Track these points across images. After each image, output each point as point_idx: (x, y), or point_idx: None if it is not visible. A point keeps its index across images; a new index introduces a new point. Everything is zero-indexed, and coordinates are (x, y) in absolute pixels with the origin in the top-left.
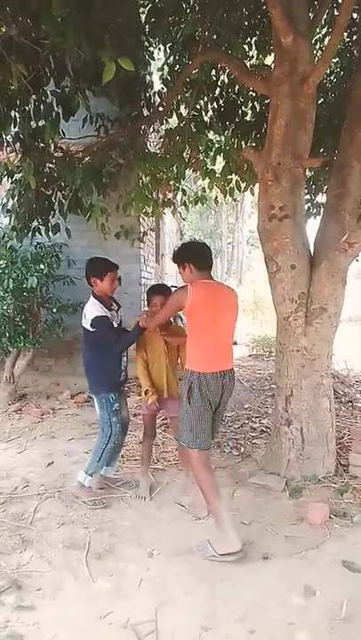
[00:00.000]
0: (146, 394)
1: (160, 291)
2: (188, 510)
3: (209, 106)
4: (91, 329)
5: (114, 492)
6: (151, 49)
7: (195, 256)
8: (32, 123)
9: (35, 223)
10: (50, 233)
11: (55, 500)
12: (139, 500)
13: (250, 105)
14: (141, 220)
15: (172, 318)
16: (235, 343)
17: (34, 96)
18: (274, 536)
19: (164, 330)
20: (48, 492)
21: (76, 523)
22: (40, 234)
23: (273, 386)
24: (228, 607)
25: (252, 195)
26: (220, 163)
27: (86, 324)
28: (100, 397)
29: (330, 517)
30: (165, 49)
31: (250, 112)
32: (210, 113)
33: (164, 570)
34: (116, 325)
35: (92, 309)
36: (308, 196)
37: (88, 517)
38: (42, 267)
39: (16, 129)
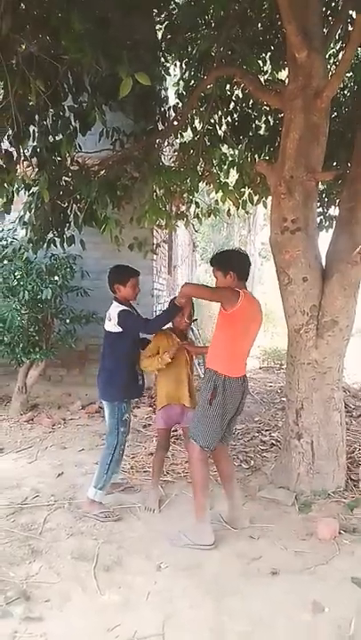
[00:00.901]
0: (165, 354)
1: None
2: (225, 524)
3: (223, 120)
4: (118, 329)
5: (123, 504)
6: (167, 64)
7: (239, 266)
8: (49, 137)
9: (50, 235)
10: (65, 245)
11: (65, 511)
12: (147, 513)
13: (263, 119)
14: (155, 232)
15: (190, 329)
16: None
17: (52, 111)
18: (283, 551)
19: (184, 339)
20: (58, 502)
21: (85, 534)
22: (55, 245)
23: (283, 399)
24: (235, 622)
25: (265, 207)
26: (233, 176)
27: (112, 326)
28: (113, 405)
29: (340, 533)
30: (181, 64)
31: (263, 126)
32: (224, 127)
33: (171, 583)
34: None
35: (116, 308)
36: (320, 209)
37: (97, 529)
38: (56, 278)
39: (34, 143)
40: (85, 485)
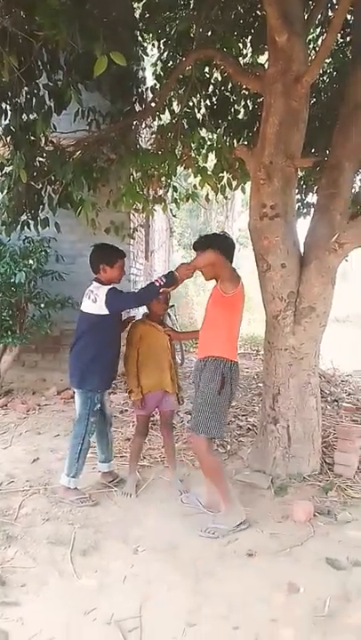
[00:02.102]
0: (130, 393)
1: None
2: (205, 509)
3: (202, 103)
4: (104, 310)
5: (100, 489)
6: (145, 44)
7: (226, 248)
8: (23, 116)
9: (23, 217)
10: (39, 227)
11: (40, 496)
12: (124, 497)
13: (243, 103)
14: (132, 216)
15: (167, 314)
16: None
17: (26, 88)
18: (259, 533)
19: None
20: (33, 488)
21: (61, 519)
22: (29, 228)
23: (260, 384)
24: (212, 603)
25: (243, 193)
26: (211, 160)
27: (95, 308)
28: (87, 395)
29: (314, 515)
30: (159, 45)
31: (243, 110)
32: (203, 110)
33: (148, 566)
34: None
35: (103, 289)
36: (298, 196)
37: (73, 514)
38: (30, 262)
39: (6, 121)
40: (60, 470)
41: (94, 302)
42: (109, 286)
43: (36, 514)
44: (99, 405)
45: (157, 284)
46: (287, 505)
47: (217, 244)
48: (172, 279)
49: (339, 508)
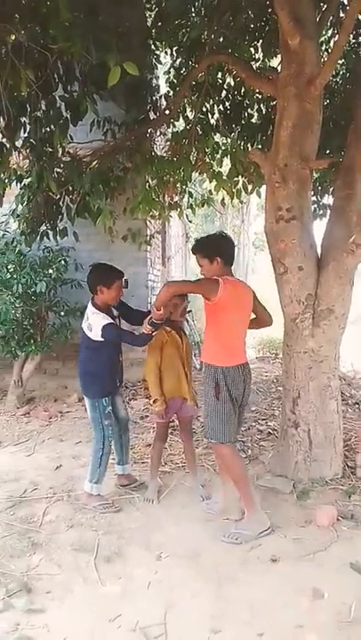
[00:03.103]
0: (155, 402)
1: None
2: (218, 515)
3: (215, 108)
4: (100, 339)
5: (122, 495)
6: (158, 52)
7: (225, 251)
8: (41, 128)
9: (43, 227)
10: (58, 237)
11: (64, 503)
12: (146, 503)
13: (256, 107)
14: (148, 223)
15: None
16: None
17: (43, 101)
18: (282, 539)
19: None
20: (57, 495)
21: (84, 525)
22: (48, 238)
23: (280, 388)
24: (236, 609)
25: (259, 197)
26: (226, 165)
27: (93, 335)
28: (94, 400)
29: (338, 520)
30: (172, 52)
31: (256, 114)
32: (216, 115)
33: (171, 572)
34: None
35: (98, 320)
36: (314, 198)
37: (96, 520)
38: (50, 271)
39: (25, 134)
40: (83, 477)
41: (89, 330)
42: (103, 320)
43: (59, 521)
44: (110, 408)
45: (150, 333)
46: (310, 510)
47: (208, 250)
48: (156, 325)
49: None
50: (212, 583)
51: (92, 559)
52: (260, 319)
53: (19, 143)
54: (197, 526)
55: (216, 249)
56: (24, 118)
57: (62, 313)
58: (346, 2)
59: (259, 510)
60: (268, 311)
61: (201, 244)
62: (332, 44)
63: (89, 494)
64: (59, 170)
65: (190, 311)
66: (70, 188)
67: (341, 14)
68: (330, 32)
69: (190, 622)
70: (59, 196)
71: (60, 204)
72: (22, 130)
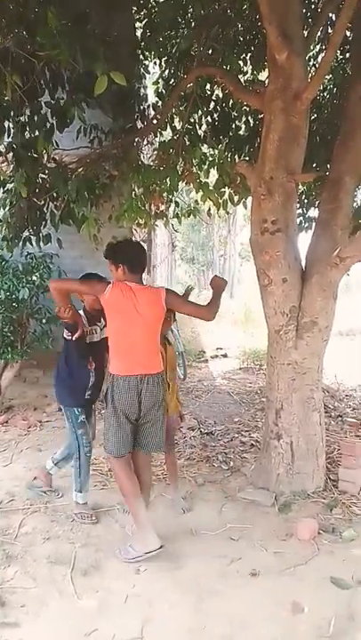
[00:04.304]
0: None
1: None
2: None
3: (203, 119)
4: (66, 337)
5: (102, 507)
6: (146, 62)
7: (131, 259)
8: (25, 133)
9: (25, 233)
10: (41, 243)
11: (41, 515)
12: (126, 515)
13: (244, 119)
14: (134, 231)
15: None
16: (225, 356)
17: (28, 107)
18: (262, 552)
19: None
20: (34, 506)
21: (61, 538)
22: (31, 244)
23: (263, 399)
24: (215, 623)
25: (245, 208)
26: (213, 176)
27: (65, 333)
28: (66, 409)
29: (319, 533)
30: (161, 63)
31: (244, 126)
32: (204, 126)
33: (150, 586)
34: (97, 340)
35: None
36: (300, 210)
37: (74, 533)
38: (34, 278)
39: (9, 139)
40: (62, 488)
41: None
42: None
43: (36, 533)
44: (82, 417)
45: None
46: (291, 523)
47: (114, 256)
48: (72, 327)
49: (343, 525)
50: (192, 597)
51: (69, 572)
52: (196, 317)
53: (2, 148)
54: (177, 539)
55: (121, 256)
56: (8, 123)
57: (44, 320)
58: (334, 18)
59: (146, 529)
60: (206, 306)
61: (109, 250)
62: (319, 59)
63: (76, 503)
64: (43, 175)
65: (175, 321)
66: (55, 195)
67: (329, 30)
68: (317, 48)
69: (168, 637)
70: (43, 202)
71: (44, 209)
72: (6, 134)
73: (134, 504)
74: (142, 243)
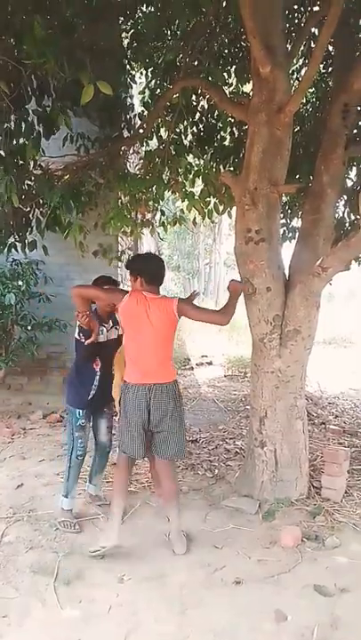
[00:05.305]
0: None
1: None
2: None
3: (189, 130)
4: (77, 337)
5: (85, 516)
6: (133, 72)
7: (150, 271)
8: (12, 140)
9: (11, 239)
10: (26, 250)
11: (24, 524)
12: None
13: (229, 130)
14: (120, 239)
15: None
16: (210, 363)
17: (15, 114)
18: (246, 560)
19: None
20: (17, 514)
21: (45, 547)
22: (16, 250)
23: (248, 407)
24: (198, 633)
25: (230, 217)
26: (198, 185)
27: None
28: (69, 409)
29: (302, 541)
30: (147, 73)
31: (228, 137)
32: (189, 137)
33: (134, 596)
34: (103, 340)
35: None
36: (283, 221)
37: (57, 542)
38: (20, 283)
39: None
40: (45, 497)
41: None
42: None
43: (19, 542)
44: (82, 421)
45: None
46: (275, 530)
47: (133, 268)
48: (87, 332)
49: (327, 532)
50: (175, 606)
51: (52, 582)
52: (211, 323)
53: None
54: (162, 548)
55: (139, 267)
56: None
57: (29, 327)
58: (316, 33)
59: (113, 526)
60: (220, 311)
61: (129, 262)
62: (302, 73)
63: (61, 509)
64: (29, 182)
65: None
66: (41, 201)
67: (312, 45)
68: (300, 61)
69: None
70: (28, 209)
71: (30, 216)
72: None
73: (116, 500)
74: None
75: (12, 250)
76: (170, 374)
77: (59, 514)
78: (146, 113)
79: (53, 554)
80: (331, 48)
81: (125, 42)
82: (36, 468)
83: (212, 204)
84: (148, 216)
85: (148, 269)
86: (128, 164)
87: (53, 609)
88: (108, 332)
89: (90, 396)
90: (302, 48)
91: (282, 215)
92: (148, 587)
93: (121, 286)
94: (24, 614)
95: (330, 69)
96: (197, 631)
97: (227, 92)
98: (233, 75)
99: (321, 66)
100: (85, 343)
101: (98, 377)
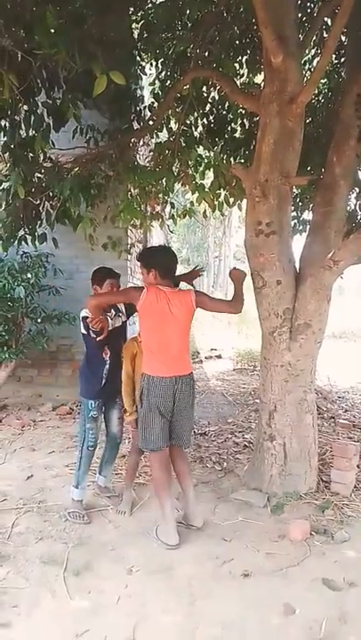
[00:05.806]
0: (128, 413)
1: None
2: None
3: (199, 121)
4: (83, 332)
5: (95, 507)
6: (143, 64)
7: (163, 264)
8: (22, 132)
9: (21, 232)
10: (36, 242)
11: (34, 515)
12: (119, 515)
13: (239, 122)
14: (129, 231)
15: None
16: (219, 357)
17: (25, 106)
18: (255, 553)
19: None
20: (27, 506)
21: (54, 538)
22: (27, 243)
23: (257, 400)
24: (206, 625)
25: (240, 210)
26: (209, 177)
27: (82, 329)
28: (82, 400)
29: (311, 534)
30: (157, 64)
31: (239, 129)
32: (200, 128)
33: (142, 587)
34: (110, 329)
35: (83, 311)
36: (294, 213)
37: (67, 532)
38: (29, 276)
39: (5, 138)
40: (55, 488)
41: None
42: (84, 313)
43: (29, 532)
44: (94, 413)
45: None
46: (283, 524)
47: (146, 261)
48: (98, 332)
49: (335, 527)
50: (184, 598)
51: (62, 572)
52: (225, 312)
53: None
54: None
55: (152, 261)
56: (4, 122)
57: (39, 320)
58: (329, 22)
59: (169, 524)
60: (232, 301)
61: (141, 255)
62: (315, 63)
63: (72, 499)
64: (39, 175)
65: None
66: (50, 194)
67: (324, 35)
68: (313, 52)
69: (160, 637)
70: (38, 202)
71: (40, 209)
72: (2, 134)
73: (163, 497)
74: (139, 243)
75: (22, 242)
76: (189, 365)
77: (69, 504)
78: (156, 104)
79: (63, 545)
80: (344, 38)
81: (136, 33)
82: (46, 459)
83: (222, 197)
84: (158, 209)
85: (162, 263)
86: (138, 156)
87: (63, 599)
88: (112, 320)
89: (101, 385)
90: (315, 38)
91: (293, 207)
92: (157, 578)
93: (122, 277)
94: (34, 604)
95: (343, 60)
96: (206, 623)
97: (238, 82)
98: (244, 65)
99: (334, 56)
100: (97, 339)
101: (107, 366)
